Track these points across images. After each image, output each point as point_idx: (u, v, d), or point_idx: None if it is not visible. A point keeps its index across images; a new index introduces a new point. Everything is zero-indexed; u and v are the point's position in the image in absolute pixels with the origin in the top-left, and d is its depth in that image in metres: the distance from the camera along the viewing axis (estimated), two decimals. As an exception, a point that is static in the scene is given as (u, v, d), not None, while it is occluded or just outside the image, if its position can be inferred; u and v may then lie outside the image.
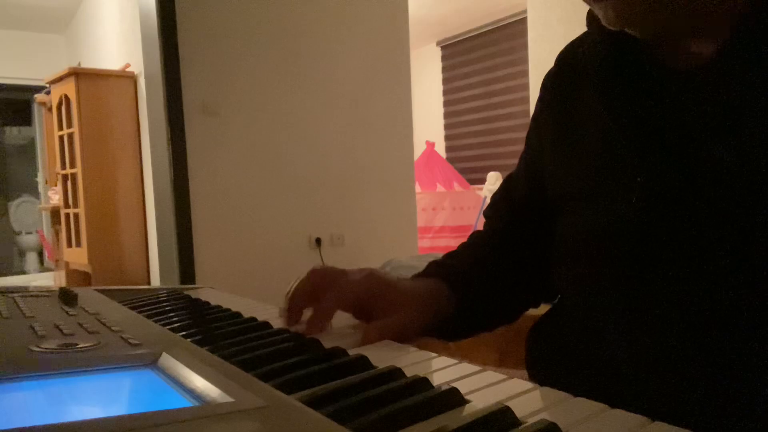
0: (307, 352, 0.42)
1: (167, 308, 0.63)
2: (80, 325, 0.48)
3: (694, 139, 0.45)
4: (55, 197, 4.26)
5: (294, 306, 0.53)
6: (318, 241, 3.11)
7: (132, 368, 0.37)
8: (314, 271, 0.55)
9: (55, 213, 4.43)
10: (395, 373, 0.36)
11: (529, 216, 0.66)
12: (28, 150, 7.05)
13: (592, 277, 0.53)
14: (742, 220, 0.42)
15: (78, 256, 3.70)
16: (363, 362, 0.40)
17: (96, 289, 0.74)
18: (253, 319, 0.54)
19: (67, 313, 0.54)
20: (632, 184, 0.48)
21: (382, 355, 0.43)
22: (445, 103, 5.94)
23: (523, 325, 0.67)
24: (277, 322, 0.53)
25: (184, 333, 0.48)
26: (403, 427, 0.29)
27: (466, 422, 0.28)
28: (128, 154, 3.62)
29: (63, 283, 4.06)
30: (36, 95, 5.22)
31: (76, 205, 3.67)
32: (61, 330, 0.45)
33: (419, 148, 4.47)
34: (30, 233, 7.01)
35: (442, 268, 0.64)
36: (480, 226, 0.74)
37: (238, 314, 0.57)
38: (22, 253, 7.13)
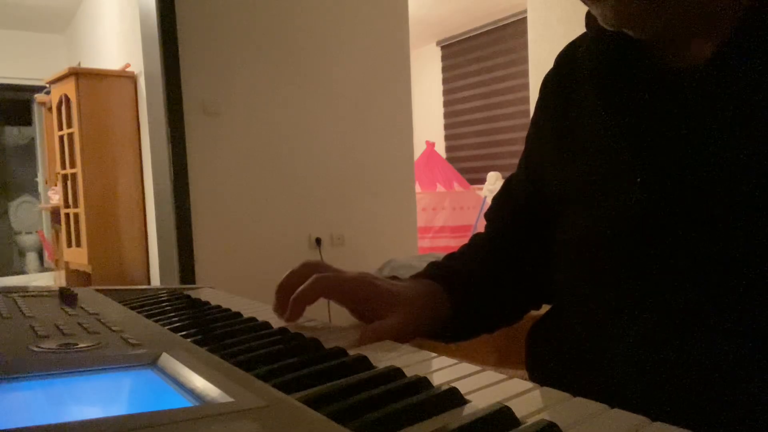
0: (307, 352, 0.42)
1: (167, 308, 0.63)
2: (80, 325, 0.48)
3: (693, 140, 0.45)
4: (55, 197, 4.26)
5: (283, 296, 0.54)
6: (318, 241, 3.11)
7: (132, 368, 0.37)
8: (306, 263, 0.56)
9: (55, 213, 4.44)
10: (395, 373, 0.36)
11: (529, 217, 0.66)
12: (28, 150, 7.05)
13: (592, 277, 0.53)
14: (742, 220, 0.42)
15: (78, 256, 3.70)
16: (363, 362, 0.40)
17: (96, 289, 0.74)
18: (253, 319, 0.54)
19: (67, 313, 0.54)
20: (631, 185, 0.48)
21: (382, 355, 0.43)
22: (445, 103, 5.94)
23: (523, 325, 0.67)
24: (277, 322, 0.53)
25: (184, 333, 0.48)
26: (403, 427, 0.29)
27: (466, 422, 0.28)
28: (128, 154, 3.62)
29: (63, 283, 4.06)
30: (36, 95, 5.22)
31: (76, 205, 3.67)
32: (61, 330, 0.45)
33: (419, 148, 4.46)
34: (30, 233, 7.01)
35: (440, 269, 0.64)
36: (480, 227, 0.74)
37: (238, 314, 0.57)
38: (22, 253, 7.13)
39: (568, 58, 0.62)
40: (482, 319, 0.66)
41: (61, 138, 3.72)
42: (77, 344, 0.40)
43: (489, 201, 0.74)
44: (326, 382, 0.35)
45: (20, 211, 7.08)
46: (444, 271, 0.64)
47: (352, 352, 0.41)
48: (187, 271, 2.77)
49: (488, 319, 0.66)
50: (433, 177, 4.84)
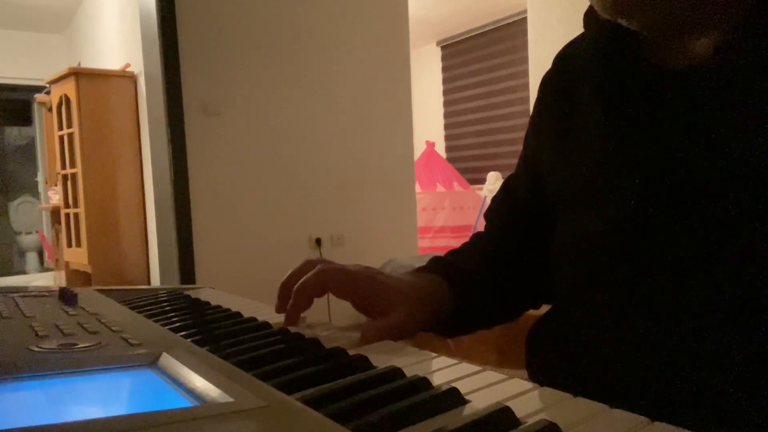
0: (307, 352, 0.42)
1: (167, 308, 0.63)
2: (80, 325, 0.48)
3: (692, 140, 0.45)
4: (55, 197, 4.26)
5: (285, 295, 0.54)
6: (318, 241, 3.11)
7: (132, 368, 0.37)
8: (308, 261, 0.56)
9: (55, 213, 4.43)
10: (395, 373, 0.36)
11: (528, 217, 0.66)
12: (28, 150, 7.05)
13: (592, 277, 0.53)
14: (741, 221, 0.42)
15: (78, 256, 3.70)
16: (363, 362, 0.40)
17: (96, 289, 0.74)
18: (253, 319, 0.54)
19: (67, 313, 0.54)
20: (630, 186, 0.48)
21: (382, 355, 0.43)
22: (445, 103, 5.94)
23: (523, 325, 0.67)
24: (277, 322, 0.53)
25: (184, 333, 0.48)
26: (403, 427, 0.29)
27: (466, 422, 0.28)
28: (128, 154, 3.62)
29: (63, 283, 4.06)
30: (36, 95, 5.22)
31: (76, 205, 3.67)
32: (61, 330, 0.45)
33: (419, 148, 4.46)
34: (30, 233, 7.02)
35: (443, 264, 0.64)
36: (480, 227, 0.74)
37: (238, 314, 0.57)
38: (22, 253, 7.13)
39: (566, 58, 0.62)
40: (481, 316, 0.66)
41: (61, 138, 3.72)
42: (77, 344, 0.40)
43: (489, 201, 0.74)
44: (326, 382, 0.35)
45: (20, 211, 7.08)
46: (447, 266, 0.64)
47: (352, 352, 0.41)
48: (187, 271, 2.78)
49: (487, 315, 0.67)
50: (433, 177, 4.84)
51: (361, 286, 0.55)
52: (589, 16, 0.57)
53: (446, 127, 5.94)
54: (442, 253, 0.70)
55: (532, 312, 0.69)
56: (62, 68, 3.66)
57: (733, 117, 0.43)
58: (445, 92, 5.93)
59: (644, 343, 0.46)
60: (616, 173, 0.50)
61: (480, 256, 0.68)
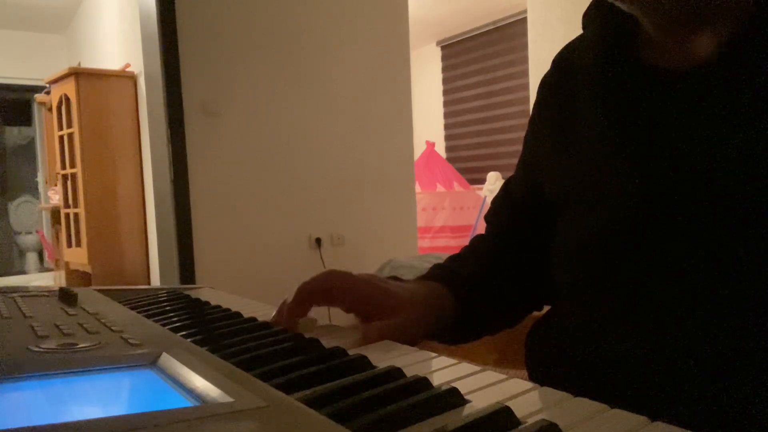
0: (307, 352, 0.42)
1: (167, 308, 0.63)
2: (80, 325, 0.48)
3: (692, 141, 0.45)
4: (55, 197, 4.26)
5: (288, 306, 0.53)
6: (318, 241, 3.11)
7: (132, 368, 0.37)
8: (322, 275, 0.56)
9: (55, 213, 4.44)
10: (395, 373, 0.36)
11: (529, 218, 0.66)
12: (28, 150, 7.05)
13: (591, 278, 0.53)
14: (741, 221, 0.42)
15: (78, 256, 3.70)
16: (363, 362, 0.40)
17: (96, 289, 0.74)
18: (253, 319, 0.54)
19: (67, 313, 0.54)
20: (630, 186, 0.48)
21: (382, 355, 0.43)
22: (445, 103, 5.94)
23: (523, 325, 0.67)
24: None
25: (184, 333, 0.48)
26: (403, 427, 0.29)
27: (466, 422, 0.28)
28: (128, 154, 3.62)
29: (63, 283, 4.06)
30: (36, 95, 5.22)
31: (76, 205, 3.67)
32: (61, 330, 0.45)
33: (419, 148, 4.46)
34: (30, 233, 7.01)
35: (445, 271, 0.64)
36: (480, 227, 0.74)
37: (238, 314, 0.57)
38: (22, 253, 7.13)
39: (565, 59, 0.62)
40: (486, 321, 0.65)
41: (61, 138, 3.72)
42: (77, 344, 0.40)
43: (489, 201, 0.74)
44: (326, 382, 0.35)
45: (20, 211, 7.07)
46: (448, 273, 0.64)
47: (352, 352, 0.41)
48: (187, 271, 2.77)
49: (491, 321, 0.66)
50: (433, 177, 4.84)
51: (364, 291, 0.54)
52: (589, 16, 0.57)
53: (446, 127, 5.94)
54: (442, 254, 0.70)
55: (530, 314, 0.69)
56: (62, 68, 3.66)
57: (733, 117, 0.43)
58: (445, 92, 5.93)
59: (644, 342, 0.46)
60: (616, 174, 0.50)
61: (481, 261, 0.67)
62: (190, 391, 0.32)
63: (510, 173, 0.72)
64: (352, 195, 3.23)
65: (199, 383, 0.33)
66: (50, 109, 4.16)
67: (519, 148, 0.70)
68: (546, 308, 0.66)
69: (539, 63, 3.85)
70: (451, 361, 0.40)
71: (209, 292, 0.75)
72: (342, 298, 0.54)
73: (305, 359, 0.40)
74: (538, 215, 0.63)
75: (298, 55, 3.04)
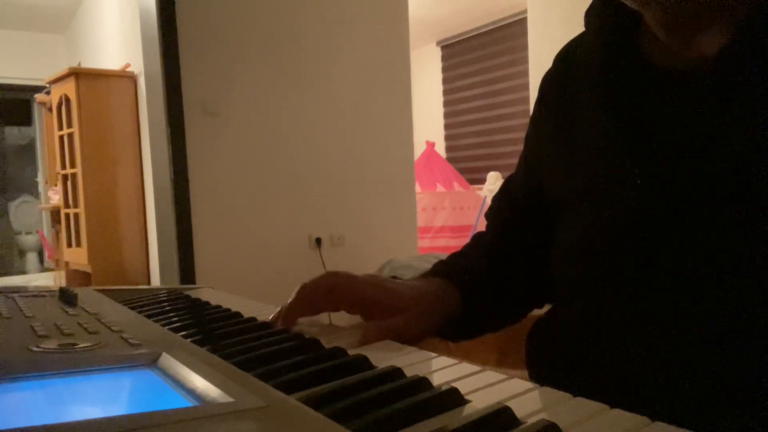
0: (307, 352, 0.42)
1: (167, 308, 0.63)
2: (80, 325, 0.48)
3: (693, 142, 0.45)
4: (55, 197, 4.26)
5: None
6: (318, 241, 3.11)
7: (132, 368, 0.37)
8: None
9: (55, 213, 4.44)
10: (395, 373, 0.36)
11: (529, 217, 0.66)
12: (28, 150, 7.05)
13: (592, 278, 0.53)
14: (742, 221, 0.42)
15: (78, 256, 3.70)
16: (363, 362, 0.40)
17: (96, 289, 0.74)
18: (253, 319, 0.54)
19: (67, 313, 0.54)
20: (631, 186, 0.48)
21: (382, 355, 0.43)
22: (445, 103, 5.94)
23: (523, 325, 0.67)
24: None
25: (184, 333, 0.48)
26: (403, 427, 0.29)
27: (466, 422, 0.28)
28: (128, 154, 3.62)
29: (63, 283, 4.06)
30: (36, 95, 5.22)
31: (76, 205, 3.67)
32: (61, 330, 0.45)
33: (419, 148, 4.46)
34: (30, 233, 7.02)
35: (448, 267, 0.64)
36: (480, 227, 0.74)
37: (238, 314, 0.57)
38: (22, 253, 7.13)
39: (567, 57, 0.62)
40: (489, 317, 0.65)
41: (61, 138, 3.72)
42: (77, 344, 0.40)
43: (489, 201, 0.74)
44: (326, 382, 0.35)
45: (20, 211, 7.08)
46: (452, 269, 0.64)
47: (352, 352, 0.41)
48: (187, 271, 2.77)
49: (495, 317, 0.66)
50: (433, 177, 4.84)
51: (366, 291, 0.54)
52: (590, 15, 0.57)
53: (446, 127, 5.94)
54: (442, 254, 0.70)
55: (532, 311, 0.69)
56: (62, 68, 3.66)
57: (735, 118, 0.43)
58: (445, 92, 5.93)
59: (644, 342, 0.46)
60: (617, 173, 0.50)
61: (483, 258, 0.67)
62: (190, 391, 0.32)
63: (510, 173, 0.72)
64: (352, 195, 3.23)
65: (199, 383, 0.33)
66: (50, 109, 4.16)
67: (519, 148, 0.70)
68: (546, 306, 0.66)
69: (539, 63, 3.85)
70: (451, 361, 0.40)
71: (209, 292, 0.75)
72: (345, 299, 0.54)
73: (305, 359, 0.40)
74: (539, 214, 0.63)
75: (298, 55, 3.04)
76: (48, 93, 4.15)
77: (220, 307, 0.62)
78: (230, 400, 0.30)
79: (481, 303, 0.62)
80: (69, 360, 0.37)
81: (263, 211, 2.97)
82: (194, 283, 2.77)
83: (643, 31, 0.52)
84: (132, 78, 3.64)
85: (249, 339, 0.46)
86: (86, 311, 0.55)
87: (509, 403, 0.30)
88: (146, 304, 0.65)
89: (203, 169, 2.80)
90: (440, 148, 5.68)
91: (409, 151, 3.47)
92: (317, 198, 3.11)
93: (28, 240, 7.05)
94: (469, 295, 0.61)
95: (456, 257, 0.68)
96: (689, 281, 0.44)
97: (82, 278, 3.82)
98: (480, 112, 5.51)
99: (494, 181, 4.73)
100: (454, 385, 0.33)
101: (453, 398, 0.32)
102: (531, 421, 0.29)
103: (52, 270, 5.35)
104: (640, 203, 0.48)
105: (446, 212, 4.68)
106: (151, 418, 0.26)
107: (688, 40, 0.48)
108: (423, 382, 0.34)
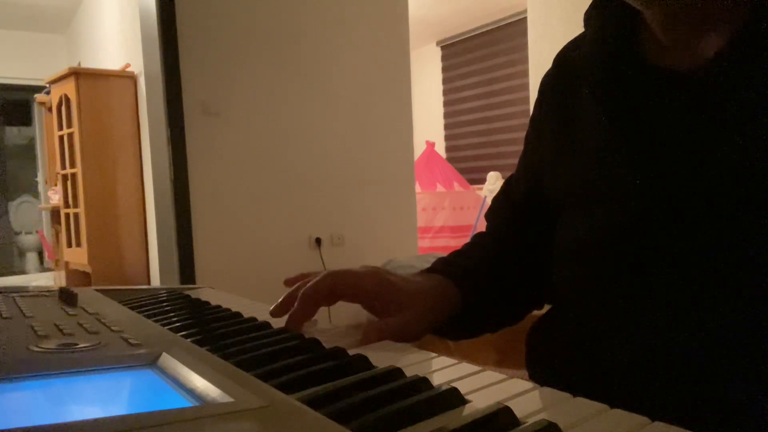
0: (307, 352, 0.42)
1: (167, 308, 0.63)
2: (80, 325, 0.48)
3: (692, 142, 0.45)
4: (55, 197, 4.26)
5: (289, 301, 0.53)
6: (318, 241, 3.11)
7: (132, 368, 0.37)
8: (312, 272, 0.56)
9: (55, 213, 4.44)
10: (395, 373, 0.36)
11: (529, 217, 0.66)
12: (28, 150, 7.05)
13: (591, 278, 0.53)
14: (741, 222, 0.42)
15: (78, 256, 3.70)
16: (363, 362, 0.40)
17: (96, 289, 0.74)
18: (253, 319, 0.54)
19: (67, 313, 0.54)
20: (631, 187, 0.48)
21: (382, 355, 0.43)
22: (445, 103, 5.94)
23: (523, 325, 0.67)
24: (277, 322, 0.53)
25: (184, 333, 0.48)
26: (403, 427, 0.29)
27: (466, 422, 0.28)
28: (128, 154, 3.62)
29: (63, 283, 4.06)
30: (36, 95, 5.22)
31: (76, 205, 3.67)
32: (61, 330, 0.45)
33: (419, 148, 4.46)
34: (30, 233, 7.02)
35: (449, 265, 0.64)
36: (480, 227, 0.74)
37: (238, 314, 0.57)
38: (22, 253, 7.13)
39: (567, 58, 0.62)
40: (489, 317, 0.65)
41: (61, 138, 3.72)
42: (77, 344, 0.40)
43: (489, 201, 0.74)
44: (326, 382, 0.35)
45: (20, 211, 7.08)
46: (453, 267, 0.63)
47: (352, 352, 0.41)
48: (187, 271, 2.77)
49: (495, 316, 0.66)
50: (433, 177, 4.84)
51: (369, 287, 0.54)
52: (590, 15, 0.57)
53: (446, 127, 5.94)
54: (442, 254, 0.70)
55: (531, 312, 0.69)
56: (62, 68, 3.66)
57: (734, 119, 0.43)
58: (445, 92, 5.93)
59: (644, 343, 0.46)
60: (617, 174, 0.50)
61: (484, 257, 0.67)
62: (190, 391, 0.32)
63: (510, 173, 0.72)
64: (352, 195, 3.23)
65: (199, 383, 0.33)
66: (50, 109, 4.16)
67: (519, 148, 0.70)
68: (546, 307, 0.66)
69: (539, 63, 3.85)
70: (451, 361, 0.40)
71: (209, 292, 0.75)
72: (346, 295, 0.54)
73: (305, 359, 0.40)
74: (539, 214, 0.63)
75: (298, 55, 3.04)
76: (48, 93, 4.15)
77: (220, 307, 0.62)
78: (230, 400, 0.30)
79: (482, 302, 0.62)
80: (69, 360, 0.37)
81: (263, 211, 2.97)
82: (194, 283, 2.77)
83: (643, 31, 0.52)
84: (132, 78, 3.64)
85: (249, 339, 0.46)
86: (86, 311, 0.55)
87: (509, 403, 0.30)
88: (146, 304, 0.65)
89: (203, 169, 2.80)
90: (440, 148, 5.68)
91: (409, 151, 3.47)
92: (317, 198, 3.11)
93: (28, 240, 7.05)
94: (470, 294, 0.61)
95: (457, 256, 0.68)
96: (689, 281, 0.44)
97: (82, 278, 3.82)
98: (480, 112, 5.52)
99: (494, 181, 4.73)
100: (454, 385, 0.33)
101: (453, 398, 0.32)
102: (531, 421, 0.29)
103: (52, 270, 5.35)
104: (639, 203, 0.48)
105: (446, 212, 4.68)
106: (151, 418, 0.26)
107: (689, 40, 0.48)
108: (423, 382, 0.34)
